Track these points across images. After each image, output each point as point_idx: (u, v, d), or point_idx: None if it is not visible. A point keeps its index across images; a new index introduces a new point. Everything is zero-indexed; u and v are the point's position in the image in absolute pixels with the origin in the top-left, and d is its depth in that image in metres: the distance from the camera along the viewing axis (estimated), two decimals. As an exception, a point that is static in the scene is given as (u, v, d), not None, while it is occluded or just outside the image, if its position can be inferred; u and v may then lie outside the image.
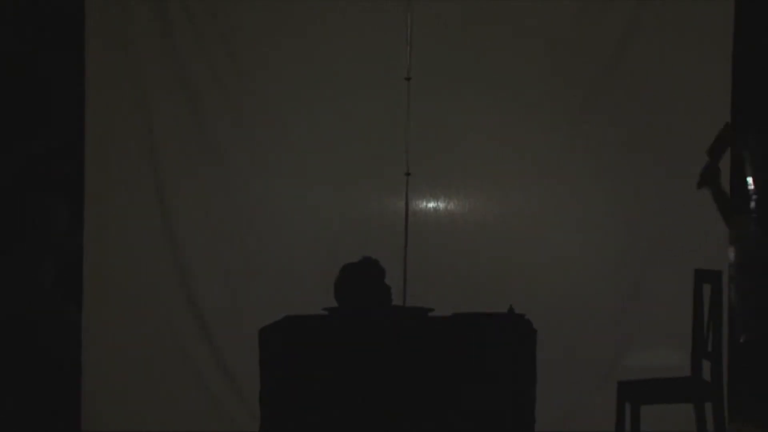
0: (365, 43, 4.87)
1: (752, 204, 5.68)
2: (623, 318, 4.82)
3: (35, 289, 5.25)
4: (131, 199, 4.92)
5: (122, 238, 4.93)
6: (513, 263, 4.84)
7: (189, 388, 4.90)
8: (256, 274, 4.87)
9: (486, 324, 4.16)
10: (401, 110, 4.86)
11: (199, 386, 4.89)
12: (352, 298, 4.27)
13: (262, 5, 4.87)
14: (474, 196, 4.91)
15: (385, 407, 3.94)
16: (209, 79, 4.88)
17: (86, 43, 4.88)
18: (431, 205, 4.92)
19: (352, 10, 4.87)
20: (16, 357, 5.16)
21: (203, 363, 4.89)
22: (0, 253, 5.23)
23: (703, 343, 4.47)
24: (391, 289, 4.35)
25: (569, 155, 4.87)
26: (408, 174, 4.89)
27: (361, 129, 4.89)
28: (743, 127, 4.96)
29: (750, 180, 5.66)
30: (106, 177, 4.93)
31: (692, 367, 4.54)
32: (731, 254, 5.17)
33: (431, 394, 3.94)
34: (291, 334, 4.08)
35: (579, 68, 4.87)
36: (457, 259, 4.87)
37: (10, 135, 5.20)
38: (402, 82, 4.87)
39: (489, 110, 4.89)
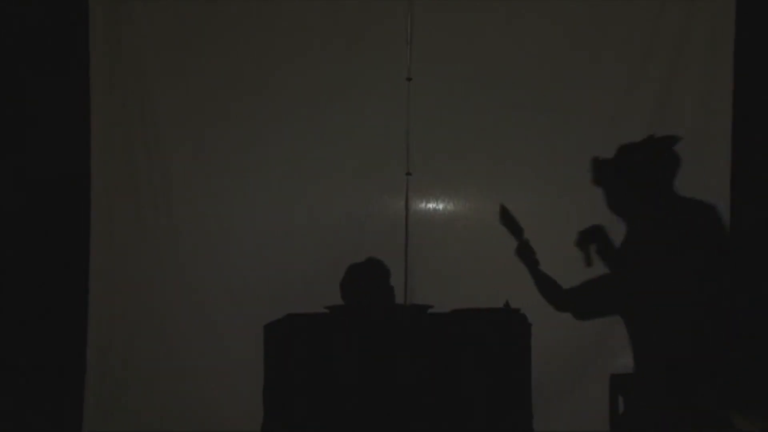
0: (365, 43, 4.88)
1: None
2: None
3: (38, 289, 5.29)
4: (135, 199, 4.96)
5: (126, 238, 4.96)
6: (513, 263, 4.79)
7: (190, 388, 4.91)
8: (257, 272, 4.88)
9: (481, 318, 4.16)
10: (401, 110, 4.86)
11: (201, 386, 4.90)
12: (358, 297, 4.28)
13: (260, 3, 4.89)
14: (474, 196, 4.90)
15: (386, 403, 3.94)
16: (210, 79, 4.90)
17: (90, 43, 4.92)
18: (431, 205, 4.92)
19: (352, 10, 4.89)
20: (17, 357, 5.19)
21: (205, 362, 4.89)
22: (1, 252, 5.28)
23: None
24: (394, 289, 4.35)
25: (569, 155, 4.85)
26: (408, 174, 4.89)
27: (361, 129, 4.90)
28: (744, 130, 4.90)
29: None
30: (112, 178, 4.97)
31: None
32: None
33: (430, 390, 3.94)
34: (293, 332, 4.09)
35: (579, 68, 4.86)
36: (458, 259, 4.86)
37: (11, 136, 5.26)
38: (402, 82, 4.87)
39: (489, 110, 4.88)
